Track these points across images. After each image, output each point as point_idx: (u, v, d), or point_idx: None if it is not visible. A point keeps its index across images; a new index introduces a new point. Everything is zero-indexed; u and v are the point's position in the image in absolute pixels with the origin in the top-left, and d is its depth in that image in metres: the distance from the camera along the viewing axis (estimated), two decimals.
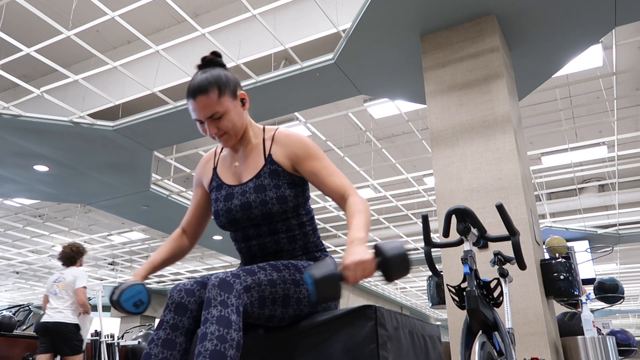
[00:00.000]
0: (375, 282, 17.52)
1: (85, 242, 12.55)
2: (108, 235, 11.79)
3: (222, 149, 1.61)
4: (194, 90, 1.40)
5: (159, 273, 15.03)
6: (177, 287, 1.36)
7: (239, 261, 14.19)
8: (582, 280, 8.53)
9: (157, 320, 17.07)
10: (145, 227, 11.19)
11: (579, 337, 3.19)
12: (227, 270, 1.31)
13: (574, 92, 7.20)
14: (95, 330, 5.58)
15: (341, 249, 12.46)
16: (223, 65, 1.50)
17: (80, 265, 4.45)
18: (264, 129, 1.55)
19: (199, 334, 1.21)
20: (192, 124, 6.00)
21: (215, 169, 1.57)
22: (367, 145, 8.61)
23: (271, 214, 1.44)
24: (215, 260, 14.25)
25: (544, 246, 3.82)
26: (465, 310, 1.80)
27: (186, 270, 14.87)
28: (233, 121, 1.44)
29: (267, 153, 1.49)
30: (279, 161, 1.47)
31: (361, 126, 7.12)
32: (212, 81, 1.41)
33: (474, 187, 3.64)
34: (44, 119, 5.80)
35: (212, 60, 1.48)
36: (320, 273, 1.18)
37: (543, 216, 10.53)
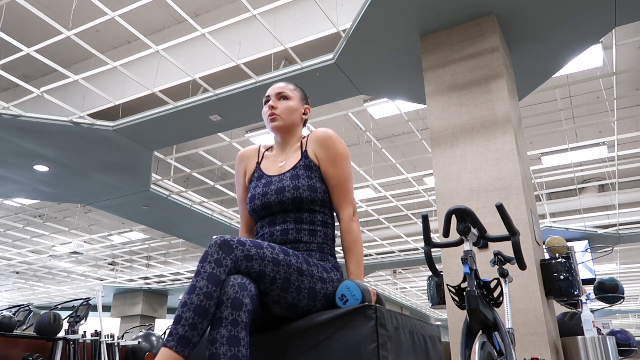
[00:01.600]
0: (375, 282, 17.52)
1: (85, 242, 12.55)
2: (108, 235, 11.79)
3: (269, 148, 1.81)
4: (278, 81, 1.79)
5: (158, 273, 15.03)
6: (229, 282, 1.35)
7: None
8: (582, 280, 8.53)
9: (157, 321, 17.07)
10: (145, 227, 11.19)
11: (579, 337, 3.19)
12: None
13: (574, 92, 7.20)
14: (95, 330, 5.57)
15: (341, 249, 12.45)
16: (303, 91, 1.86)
17: None
18: (306, 136, 1.77)
19: (207, 354, 1.26)
20: (192, 124, 6.00)
21: (259, 163, 1.76)
22: (367, 145, 8.61)
23: (301, 199, 1.59)
24: None
25: (544, 246, 3.82)
26: (465, 310, 1.80)
27: (186, 270, 14.87)
28: (291, 110, 1.71)
29: (304, 149, 1.70)
30: (311, 157, 1.67)
31: (361, 126, 7.12)
32: (293, 82, 1.80)
33: (474, 187, 3.64)
34: (44, 119, 5.80)
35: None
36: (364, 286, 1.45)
37: (543, 216, 10.53)
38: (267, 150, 1.81)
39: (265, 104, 1.74)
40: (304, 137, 1.76)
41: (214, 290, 1.28)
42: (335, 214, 1.69)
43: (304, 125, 1.81)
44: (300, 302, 1.44)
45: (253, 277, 1.37)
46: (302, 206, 1.60)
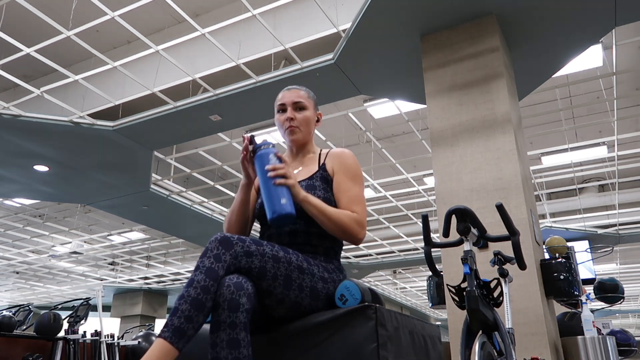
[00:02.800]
0: (375, 282, 17.52)
1: (85, 242, 12.55)
2: (108, 235, 11.79)
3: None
4: (291, 86, 1.72)
5: (158, 273, 15.04)
6: (225, 282, 1.35)
7: None
8: (582, 280, 8.53)
9: (157, 321, 17.07)
10: (145, 227, 11.19)
11: (579, 337, 3.19)
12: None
13: (574, 92, 7.20)
14: (95, 330, 5.57)
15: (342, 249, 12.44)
16: None
17: None
18: (320, 150, 1.77)
19: (209, 358, 1.26)
20: (192, 124, 6.00)
21: None
22: (367, 145, 8.61)
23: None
24: None
25: (544, 246, 3.82)
26: (465, 310, 1.80)
27: (186, 270, 14.87)
28: (308, 120, 1.69)
29: (321, 162, 1.70)
30: (329, 171, 1.67)
31: (361, 126, 7.12)
32: (306, 89, 1.75)
33: (474, 187, 3.64)
34: (44, 119, 5.80)
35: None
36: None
37: (543, 216, 10.53)
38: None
39: (279, 111, 1.70)
40: (321, 150, 1.75)
41: (211, 284, 1.28)
42: None
43: None
44: (303, 301, 1.44)
45: (254, 273, 1.37)
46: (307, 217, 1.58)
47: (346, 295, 1.47)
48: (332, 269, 1.57)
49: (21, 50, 6.52)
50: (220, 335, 1.29)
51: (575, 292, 3.25)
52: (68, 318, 5.37)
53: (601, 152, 7.63)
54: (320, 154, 1.72)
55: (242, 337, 1.29)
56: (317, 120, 1.75)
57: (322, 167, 1.67)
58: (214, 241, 1.35)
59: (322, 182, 1.63)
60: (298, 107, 1.68)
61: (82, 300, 5.49)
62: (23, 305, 5.44)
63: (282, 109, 1.69)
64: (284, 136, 1.70)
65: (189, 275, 15.72)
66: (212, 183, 8.42)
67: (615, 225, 9.87)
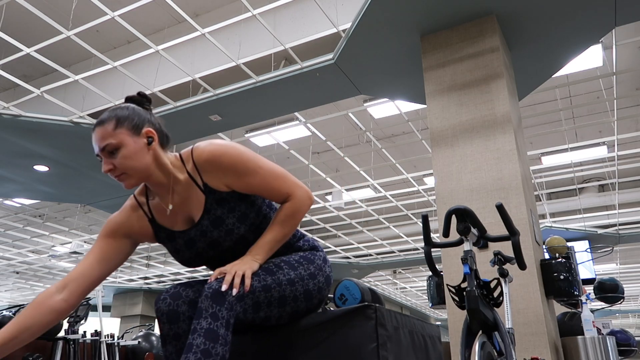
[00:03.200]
0: (376, 282, 17.52)
1: (85, 242, 12.55)
2: None
3: (149, 198, 1.44)
4: (96, 122, 1.32)
5: (158, 273, 15.03)
6: (160, 297, 1.34)
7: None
8: (582, 280, 8.53)
9: (157, 321, 17.06)
10: None
11: (579, 337, 3.19)
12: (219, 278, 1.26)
13: (574, 92, 7.20)
14: (95, 330, 5.57)
15: (341, 249, 12.46)
16: (140, 103, 1.40)
17: None
18: (181, 158, 1.38)
19: (186, 343, 1.21)
20: (192, 124, 6.00)
21: (152, 220, 1.42)
22: (367, 145, 8.61)
23: (243, 236, 1.39)
24: None
25: (544, 246, 3.82)
26: (465, 310, 1.80)
27: (186, 270, 14.87)
28: (129, 158, 1.28)
29: (201, 185, 1.36)
30: (218, 188, 1.36)
31: (361, 126, 7.12)
32: (112, 114, 1.31)
33: (474, 187, 3.64)
34: (44, 119, 5.80)
35: (132, 98, 1.40)
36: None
37: (543, 216, 10.53)
38: (146, 199, 1.44)
39: (100, 161, 1.34)
40: (183, 165, 1.37)
41: (212, 347, 1.18)
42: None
43: (163, 146, 1.38)
44: (299, 307, 1.42)
45: (250, 311, 1.29)
46: (247, 237, 1.41)
47: (346, 295, 1.47)
48: (309, 253, 1.48)
49: (21, 50, 6.52)
50: (168, 349, 1.29)
51: (575, 292, 3.25)
52: (68, 318, 5.36)
53: (601, 152, 7.63)
54: (189, 173, 1.36)
55: (222, 334, 1.23)
56: (149, 143, 1.32)
57: (207, 191, 1.36)
58: (204, 299, 1.20)
59: (221, 206, 1.36)
60: (108, 150, 1.28)
61: (82, 300, 5.49)
62: (23, 305, 5.44)
63: (100, 158, 1.32)
64: (123, 185, 1.34)
65: (189, 275, 15.73)
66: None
67: (615, 225, 9.87)
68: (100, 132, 1.29)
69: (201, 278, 1.38)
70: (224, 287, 1.20)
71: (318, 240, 9.57)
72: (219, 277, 1.25)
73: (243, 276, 1.25)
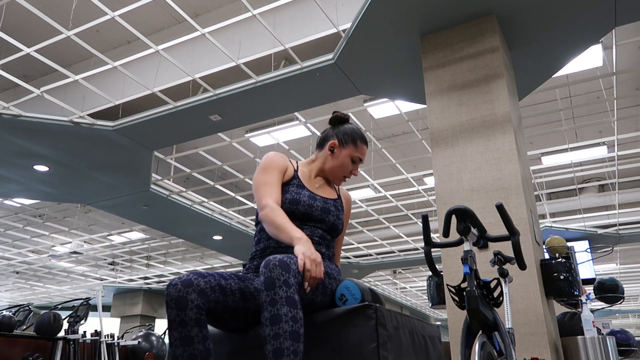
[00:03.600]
0: (375, 282, 17.52)
1: (85, 242, 12.55)
2: (108, 235, 11.79)
3: (297, 162, 1.89)
4: (364, 139, 1.84)
5: (158, 273, 15.03)
6: (172, 282, 1.37)
7: (239, 261, 14.17)
8: (582, 280, 8.53)
9: (157, 321, 17.06)
10: (145, 227, 11.19)
11: (579, 337, 3.19)
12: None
13: (574, 92, 7.20)
14: (95, 330, 5.57)
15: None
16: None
17: None
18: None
19: (268, 315, 1.26)
20: (192, 124, 6.00)
21: (296, 171, 1.80)
22: None
23: (335, 227, 1.72)
24: (215, 260, 14.24)
25: (544, 246, 3.82)
26: (465, 310, 1.80)
27: (186, 270, 14.86)
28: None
29: (338, 192, 1.86)
30: (344, 204, 1.87)
31: (361, 126, 7.12)
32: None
33: (474, 187, 3.64)
34: (44, 119, 5.80)
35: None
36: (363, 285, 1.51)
37: (543, 216, 10.53)
38: (297, 165, 1.86)
39: (353, 161, 1.81)
40: (338, 186, 1.90)
41: (296, 312, 1.29)
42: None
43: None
44: (317, 298, 1.48)
45: (309, 294, 1.48)
46: (332, 232, 1.72)
47: (346, 295, 1.47)
48: (333, 268, 1.63)
49: (21, 50, 6.52)
50: (173, 334, 1.31)
51: (575, 292, 3.25)
52: (68, 318, 5.36)
53: (601, 152, 7.63)
54: (336, 187, 1.89)
55: (195, 334, 1.30)
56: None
57: (339, 197, 1.85)
58: (274, 268, 1.32)
59: (340, 210, 1.79)
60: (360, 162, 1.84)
61: (82, 300, 5.49)
62: (23, 305, 5.44)
63: (356, 160, 1.82)
64: (335, 178, 1.81)
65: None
66: (212, 183, 8.42)
67: (615, 225, 9.87)
68: (366, 149, 1.85)
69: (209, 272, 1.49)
70: (305, 263, 1.37)
71: None
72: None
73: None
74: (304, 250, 1.37)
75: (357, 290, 1.46)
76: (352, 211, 10.12)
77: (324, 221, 1.69)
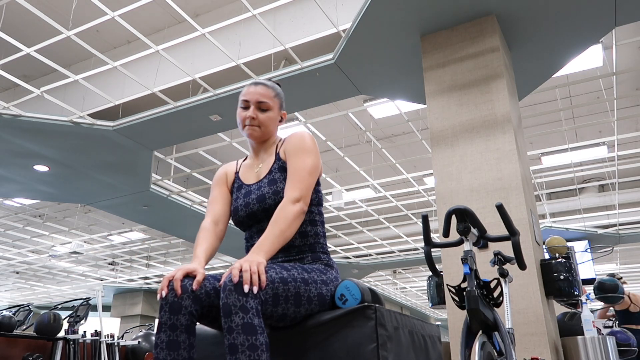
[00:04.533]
0: (375, 282, 17.53)
1: (85, 242, 12.55)
2: (108, 235, 11.79)
3: (245, 159, 1.76)
4: (259, 81, 1.66)
5: (158, 273, 15.04)
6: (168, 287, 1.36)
7: None
8: (582, 280, 8.53)
9: (157, 321, 17.06)
10: (145, 227, 11.19)
11: (579, 337, 3.19)
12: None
13: (574, 92, 7.20)
14: (95, 330, 5.57)
15: (341, 249, 12.46)
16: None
17: None
18: (280, 139, 1.71)
19: (227, 342, 1.22)
20: (192, 124, 6.00)
21: (237, 173, 1.73)
22: (367, 145, 8.61)
23: (278, 203, 1.54)
24: (216, 260, 14.25)
25: (544, 246, 3.82)
26: (465, 310, 1.80)
27: None
28: (269, 120, 1.64)
29: (277, 151, 1.66)
30: (282, 158, 1.63)
31: (361, 126, 7.12)
32: (274, 86, 1.69)
33: (474, 187, 3.64)
34: (44, 119, 5.80)
35: (272, 81, 1.74)
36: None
37: (543, 216, 10.53)
38: (244, 160, 1.77)
39: (242, 107, 1.65)
40: (281, 139, 1.70)
41: (255, 339, 1.22)
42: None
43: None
44: (313, 311, 1.45)
45: (270, 302, 1.32)
46: None
47: (346, 295, 1.47)
48: (325, 269, 1.54)
49: (21, 50, 6.52)
50: (160, 337, 1.31)
51: (575, 292, 3.25)
52: (68, 318, 5.37)
53: (601, 152, 7.63)
54: (277, 144, 1.68)
55: (182, 340, 1.30)
56: (280, 120, 1.71)
57: (277, 157, 1.64)
58: (229, 294, 1.24)
59: (281, 172, 1.59)
60: (261, 107, 1.63)
61: (82, 300, 5.49)
62: (23, 305, 5.44)
63: (246, 105, 1.64)
64: (243, 133, 1.65)
65: None
66: (212, 183, 8.42)
67: (615, 225, 9.87)
68: (263, 90, 1.64)
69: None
70: (239, 278, 1.26)
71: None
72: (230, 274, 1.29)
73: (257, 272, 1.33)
74: (238, 265, 1.30)
75: (357, 291, 1.45)
76: (352, 211, 10.12)
77: (267, 210, 1.54)
